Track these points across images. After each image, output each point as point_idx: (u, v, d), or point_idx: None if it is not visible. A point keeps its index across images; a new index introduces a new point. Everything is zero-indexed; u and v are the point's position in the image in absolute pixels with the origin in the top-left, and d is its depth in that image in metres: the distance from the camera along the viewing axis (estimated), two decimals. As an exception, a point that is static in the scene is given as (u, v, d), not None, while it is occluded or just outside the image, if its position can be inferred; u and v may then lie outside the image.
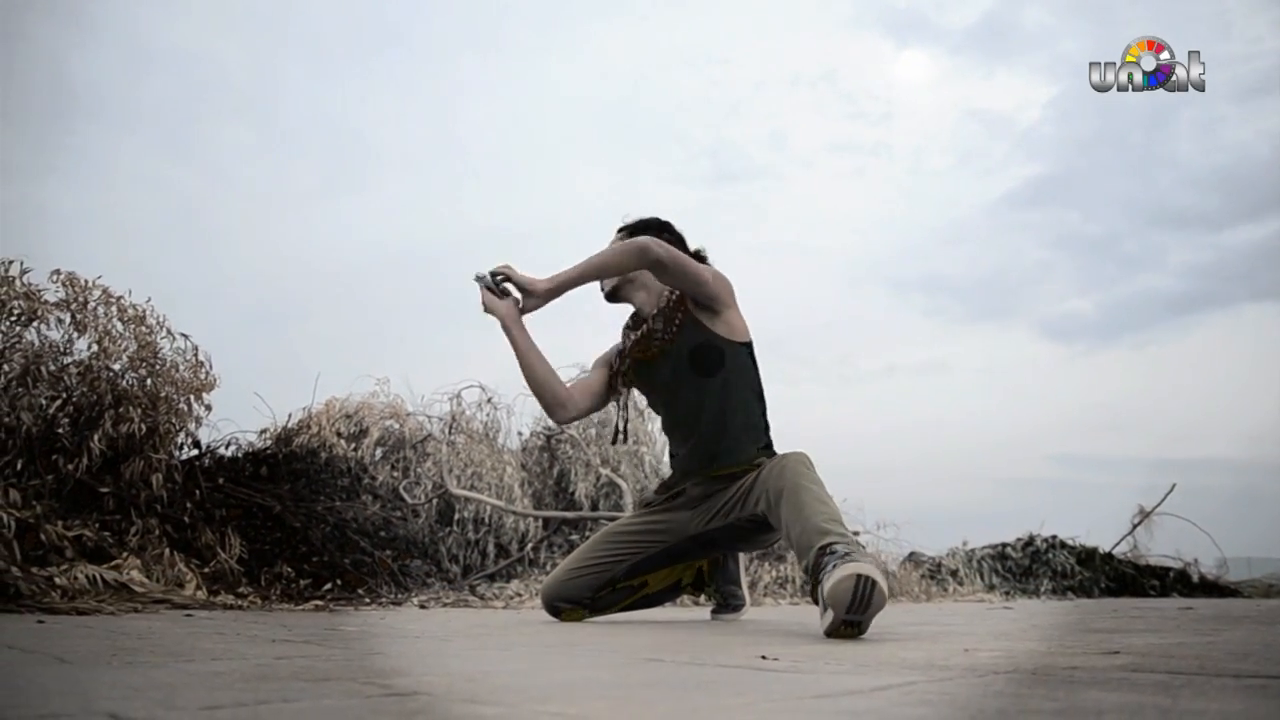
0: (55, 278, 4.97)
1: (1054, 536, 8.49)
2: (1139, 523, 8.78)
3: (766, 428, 3.02)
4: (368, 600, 4.54)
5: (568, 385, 3.15)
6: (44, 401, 4.73)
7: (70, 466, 4.31)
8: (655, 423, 7.39)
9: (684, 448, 3.05)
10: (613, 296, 3.13)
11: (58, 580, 3.32)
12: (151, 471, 4.47)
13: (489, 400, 7.08)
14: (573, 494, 6.71)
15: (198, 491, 4.72)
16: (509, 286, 2.99)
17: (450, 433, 6.72)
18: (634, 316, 3.18)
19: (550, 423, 7.11)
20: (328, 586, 4.57)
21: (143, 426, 4.66)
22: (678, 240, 3.13)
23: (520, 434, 7.22)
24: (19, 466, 4.16)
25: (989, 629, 2.76)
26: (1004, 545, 8.43)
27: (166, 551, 4.10)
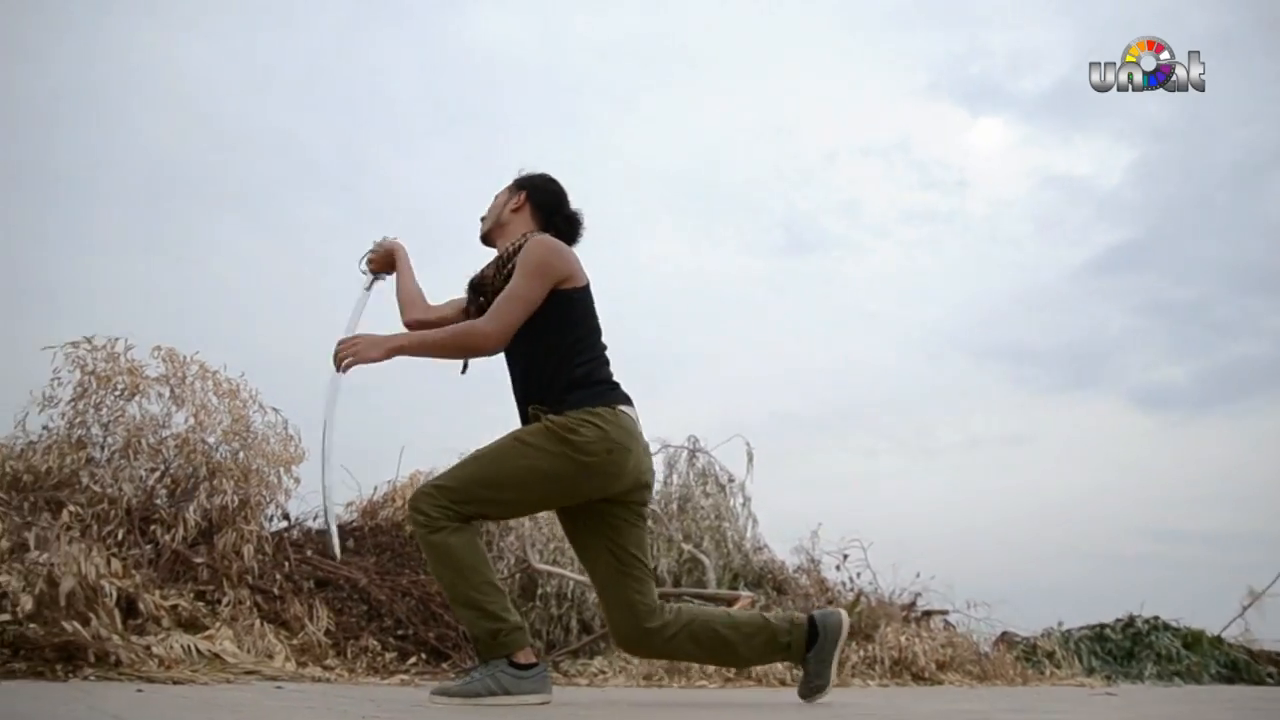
0: (156, 353, 5.15)
1: (1156, 617, 8.07)
2: (1250, 604, 8.29)
3: (566, 384, 2.75)
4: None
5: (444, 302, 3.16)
6: (144, 473, 4.87)
7: (167, 537, 4.40)
8: (737, 498, 7.31)
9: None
10: (486, 240, 3.05)
11: (155, 649, 3.37)
12: (243, 543, 4.54)
13: (571, 474, 7.06)
14: (655, 570, 6.63)
15: (287, 563, 4.78)
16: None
17: (533, 506, 6.71)
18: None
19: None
20: (412, 660, 4.55)
21: (235, 498, 4.76)
22: (553, 199, 3.02)
23: (602, 509, 7.18)
24: (120, 536, 4.25)
25: (1097, 718, 2.63)
26: (1102, 626, 8.05)
27: (257, 622, 4.13)
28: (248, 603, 4.26)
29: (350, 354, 2.73)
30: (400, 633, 4.77)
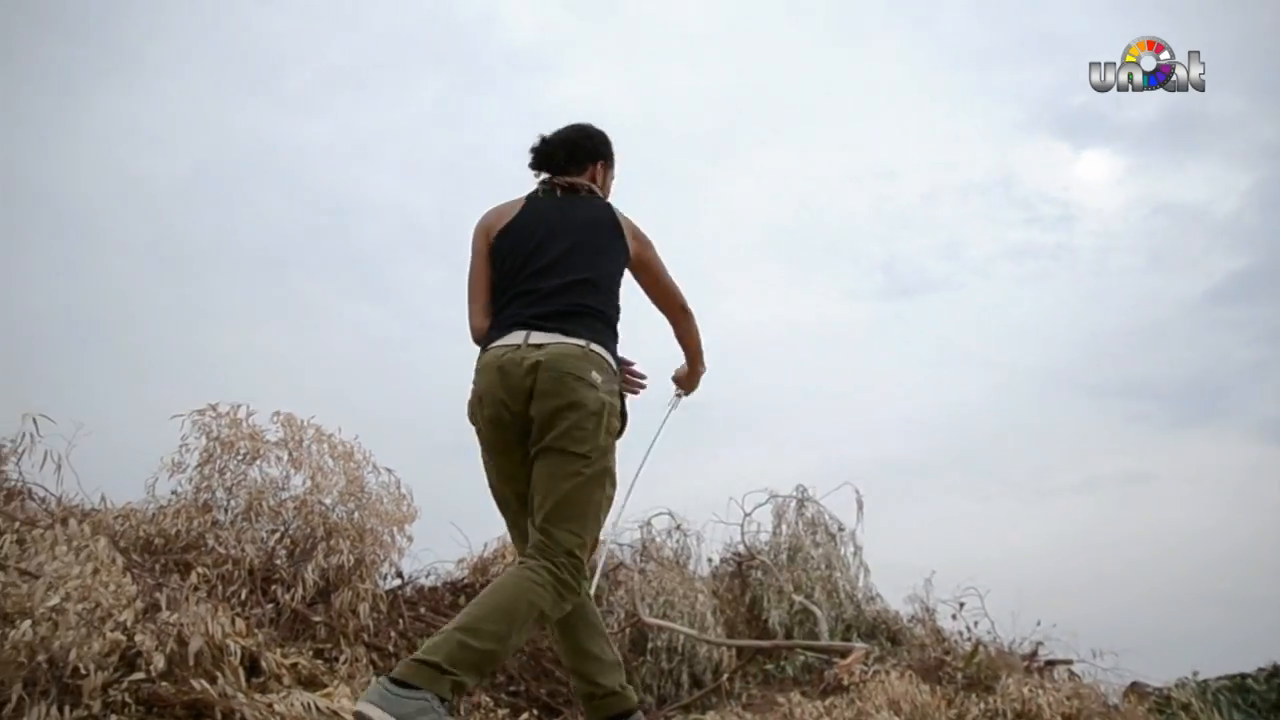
0: (276, 418, 5.36)
1: (1304, 666, 7.58)
2: None
3: None
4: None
5: None
6: (265, 535, 5.04)
7: (287, 596, 4.53)
8: (848, 547, 7.17)
9: None
10: None
11: (277, 707, 3.46)
12: (359, 601, 4.65)
13: (678, 527, 7.06)
14: (766, 621, 6.53)
15: (400, 621, 4.87)
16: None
17: (641, 560, 6.72)
18: None
19: (742, 549, 7.00)
20: (524, 716, 4.57)
21: (351, 558, 4.88)
22: (600, 148, 2.81)
23: (710, 560, 7.14)
24: (243, 596, 4.40)
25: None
26: (1243, 675, 7.57)
27: (373, 679, 4.21)
28: (364, 660, 4.36)
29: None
30: (512, 689, 4.80)
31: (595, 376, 2.36)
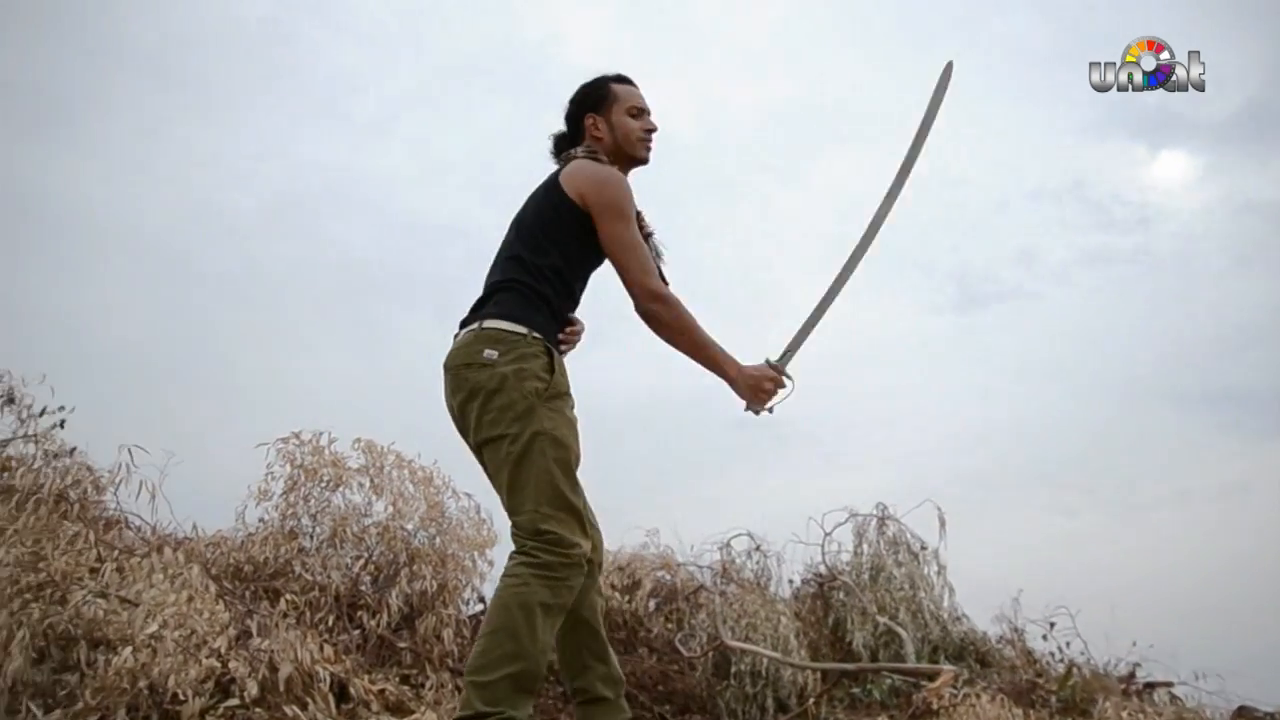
0: (357, 445, 5.44)
1: None
2: None
3: None
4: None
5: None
6: (349, 561, 5.11)
7: (373, 622, 4.58)
8: (931, 566, 7.03)
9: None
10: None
11: (367, 733, 3.50)
12: (443, 626, 4.68)
13: (758, 548, 6.98)
14: (850, 644, 6.42)
15: (485, 645, 4.88)
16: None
17: (721, 582, 6.66)
18: None
19: (823, 570, 6.90)
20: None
21: (434, 583, 4.92)
22: (581, 102, 2.61)
23: (791, 582, 7.05)
24: (330, 622, 4.46)
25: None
26: (1361, 699, 7.25)
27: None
28: (449, 686, 4.38)
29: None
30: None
31: (488, 353, 2.27)
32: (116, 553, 4.09)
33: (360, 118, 10.96)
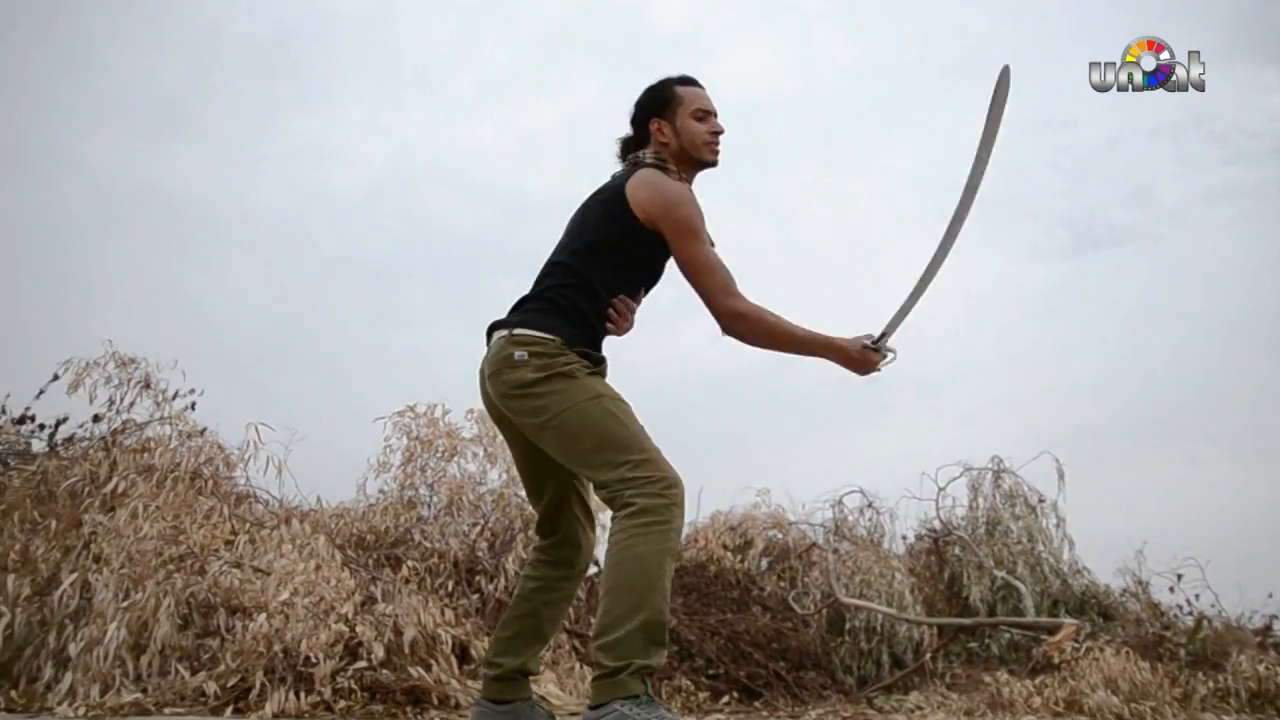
0: (470, 415, 5.59)
1: None
2: None
3: None
4: (765, 713, 4.52)
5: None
6: (466, 528, 5.28)
7: (490, 586, 4.73)
8: (1049, 519, 6.88)
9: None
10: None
11: (488, 692, 3.62)
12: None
13: (870, 505, 6.94)
14: (966, 599, 6.35)
15: (600, 606, 4.99)
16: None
17: (834, 540, 6.65)
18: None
19: (938, 525, 6.82)
20: (725, 699, 4.61)
21: (549, 547, 5.03)
22: (645, 107, 2.56)
23: (905, 538, 6.99)
24: (450, 588, 4.62)
25: None
26: None
27: (577, 665, 4.34)
28: (566, 646, 4.49)
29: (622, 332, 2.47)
30: (711, 672, 4.84)
31: (520, 354, 2.25)
32: (248, 525, 4.32)
33: (455, 95, 11.13)
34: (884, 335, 2.41)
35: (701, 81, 2.60)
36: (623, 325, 2.43)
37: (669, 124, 2.50)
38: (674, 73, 2.58)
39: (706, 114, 2.52)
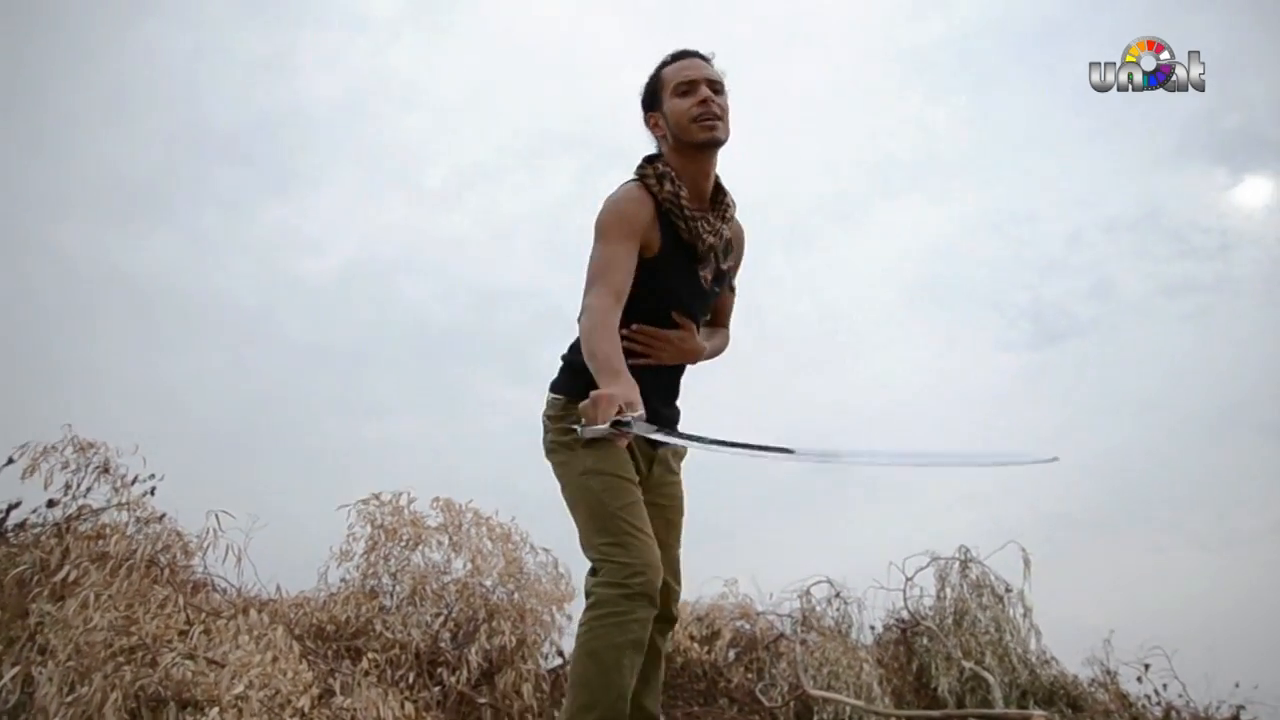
0: (435, 504, 5.54)
1: None
2: None
3: None
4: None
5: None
6: (429, 618, 5.18)
7: (453, 679, 4.63)
8: (1017, 608, 6.85)
9: (653, 389, 2.13)
10: (715, 148, 2.24)
11: (447, 789, 3.52)
12: (522, 681, 4.71)
13: (838, 595, 6.89)
14: (935, 690, 6.28)
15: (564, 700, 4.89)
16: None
17: (802, 630, 6.58)
18: (675, 178, 2.24)
19: (905, 615, 6.78)
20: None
21: (513, 638, 4.96)
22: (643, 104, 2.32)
23: (873, 628, 6.93)
24: (411, 680, 4.52)
25: None
26: None
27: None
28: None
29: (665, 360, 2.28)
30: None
31: (544, 419, 2.28)
32: (204, 615, 4.22)
33: (430, 186, 11.27)
34: (633, 421, 1.90)
35: (702, 51, 2.29)
36: (658, 353, 2.24)
37: (659, 114, 2.25)
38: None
39: (690, 86, 2.21)
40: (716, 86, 2.23)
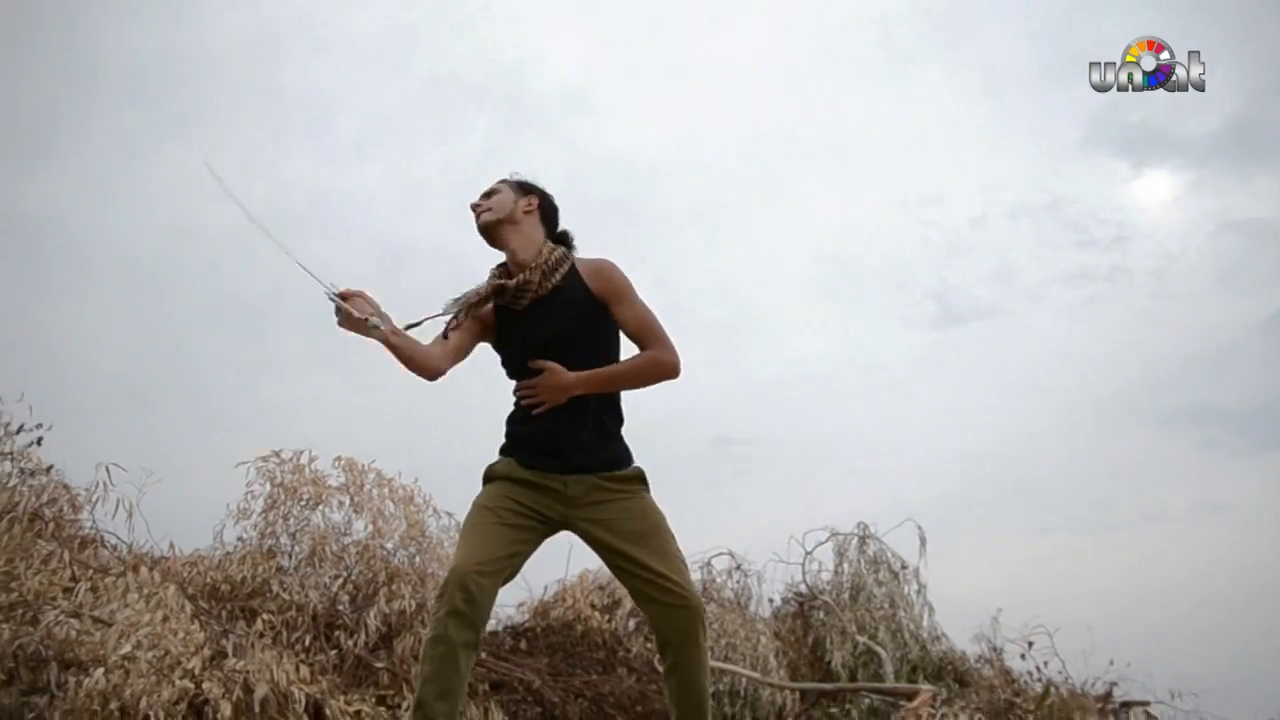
0: (337, 463, 5.42)
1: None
2: None
3: (620, 429, 2.69)
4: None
5: (428, 347, 2.62)
6: (328, 580, 5.09)
7: (350, 642, 4.56)
8: (911, 585, 7.04)
9: (553, 425, 2.51)
10: (488, 231, 2.63)
11: (341, 755, 3.48)
12: (420, 647, 4.66)
13: (738, 567, 7.00)
14: (829, 663, 6.43)
15: (463, 665, 4.87)
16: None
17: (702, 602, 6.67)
18: (504, 265, 2.66)
19: (804, 589, 6.91)
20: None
21: (413, 603, 4.90)
22: (555, 214, 2.72)
23: (772, 601, 7.05)
24: (307, 642, 4.44)
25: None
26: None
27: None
28: None
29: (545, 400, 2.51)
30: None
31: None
32: (91, 572, 4.07)
33: (339, 138, 10.97)
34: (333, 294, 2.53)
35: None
36: (538, 401, 2.49)
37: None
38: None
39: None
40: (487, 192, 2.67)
